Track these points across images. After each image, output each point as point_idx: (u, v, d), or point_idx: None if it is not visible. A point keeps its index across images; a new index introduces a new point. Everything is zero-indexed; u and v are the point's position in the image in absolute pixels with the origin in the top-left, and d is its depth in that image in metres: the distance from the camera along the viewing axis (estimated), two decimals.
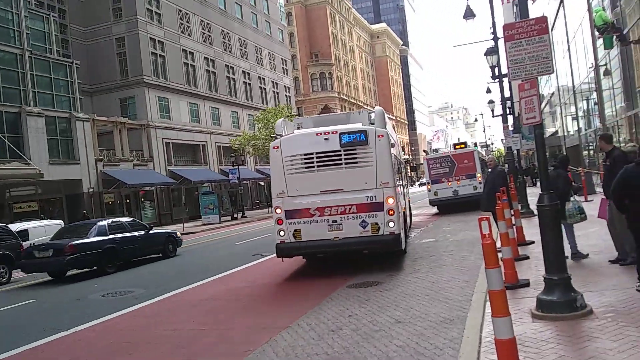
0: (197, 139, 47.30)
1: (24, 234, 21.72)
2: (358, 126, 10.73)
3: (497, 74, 20.37)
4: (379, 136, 10.11)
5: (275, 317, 7.91)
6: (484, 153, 49.66)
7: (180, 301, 10.01)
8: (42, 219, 28.35)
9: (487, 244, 3.98)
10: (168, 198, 43.33)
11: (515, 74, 5.72)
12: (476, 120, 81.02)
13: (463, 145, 26.08)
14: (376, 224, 9.95)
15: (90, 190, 35.03)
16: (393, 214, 9.92)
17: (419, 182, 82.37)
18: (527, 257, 9.27)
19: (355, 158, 10.14)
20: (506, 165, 24.46)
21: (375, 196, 9.96)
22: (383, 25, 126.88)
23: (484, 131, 74.61)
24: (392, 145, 10.97)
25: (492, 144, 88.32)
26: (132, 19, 41.66)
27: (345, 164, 10.16)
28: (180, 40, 46.58)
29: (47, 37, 34.00)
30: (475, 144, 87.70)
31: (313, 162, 10.29)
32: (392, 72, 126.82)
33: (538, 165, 6.07)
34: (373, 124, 10.91)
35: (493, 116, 27.46)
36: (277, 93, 64.22)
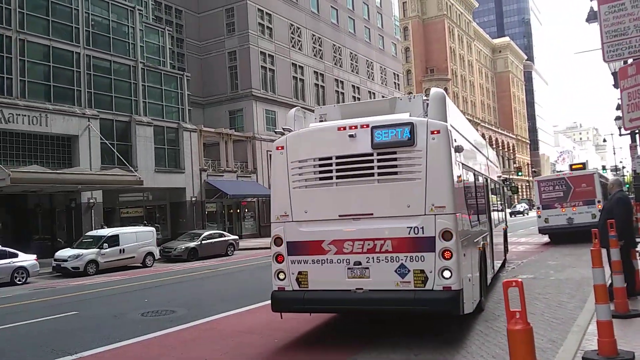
0: None
1: (115, 239, 22.25)
2: (403, 117, 7.10)
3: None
4: (433, 132, 6.59)
5: None
6: (611, 177, 44.20)
7: (213, 330, 8.83)
8: (145, 225, 29.21)
9: (515, 330, 2.18)
10: (269, 210, 43.19)
11: (613, 51, 3.76)
12: (605, 141, 73.40)
13: (581, 166, 22.82)
14: (422, 271, 6.48)
15: (193, 199, 35.69)
16: (450, 257, 6.40)
17: (510, 210, 57.71)
18: None
19: (395, 166, 6.75)
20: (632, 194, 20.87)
21: (422, 227, 6.51)
22: (506, 39, 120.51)
23: (614, 153, 67.14)
24: (459, 150, 7.15)
25: (623, 167, 79.30)
26: (244, 33, 42.42)
27: (379, 175, 6.80)
28: (290, 54, 46.73)
29: (161, 50, 35.42)
30: (604, 167, 79.41)
31: (331, 172, 7.03)
32: (514, 88, 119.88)
33: None
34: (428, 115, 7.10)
35: (620, 134, 23.74)
36: None
